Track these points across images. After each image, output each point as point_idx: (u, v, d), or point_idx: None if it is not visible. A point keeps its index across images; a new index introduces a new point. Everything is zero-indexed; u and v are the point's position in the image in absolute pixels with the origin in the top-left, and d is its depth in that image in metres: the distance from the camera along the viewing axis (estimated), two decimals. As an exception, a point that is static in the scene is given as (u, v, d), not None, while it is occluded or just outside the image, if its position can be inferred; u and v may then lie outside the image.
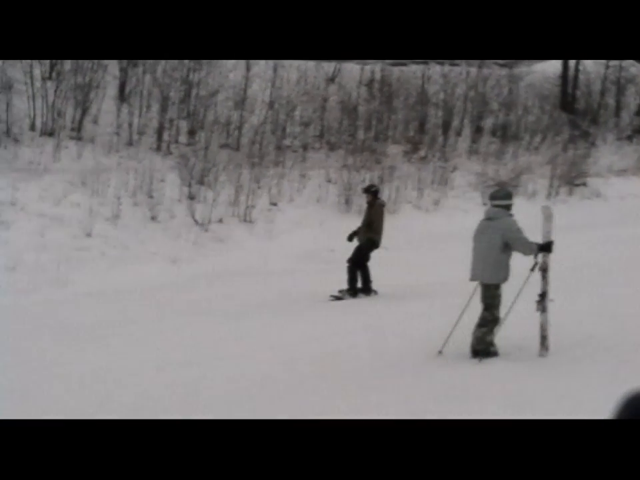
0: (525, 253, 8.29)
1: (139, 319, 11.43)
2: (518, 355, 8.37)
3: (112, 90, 22.29)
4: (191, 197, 19.02)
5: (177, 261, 16.36)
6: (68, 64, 20.92)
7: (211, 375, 8.21)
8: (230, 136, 22.96)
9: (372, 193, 13.32)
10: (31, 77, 20.32)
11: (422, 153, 25.33)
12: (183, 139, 22.16)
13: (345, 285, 12.86)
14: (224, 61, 24.02)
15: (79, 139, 20.42)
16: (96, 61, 21.25)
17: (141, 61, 22.58)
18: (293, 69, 25.77)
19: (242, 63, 24.34)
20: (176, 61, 22.59)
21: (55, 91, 20.53)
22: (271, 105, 24.40)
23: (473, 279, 8.58)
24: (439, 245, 18.08)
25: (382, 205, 13.41)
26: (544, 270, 8.31)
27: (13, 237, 15.19)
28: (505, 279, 8.40)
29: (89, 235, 16.36)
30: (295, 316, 11.43)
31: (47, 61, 21.07)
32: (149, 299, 13.23)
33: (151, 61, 22.37)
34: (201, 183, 19.52)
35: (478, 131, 27.44)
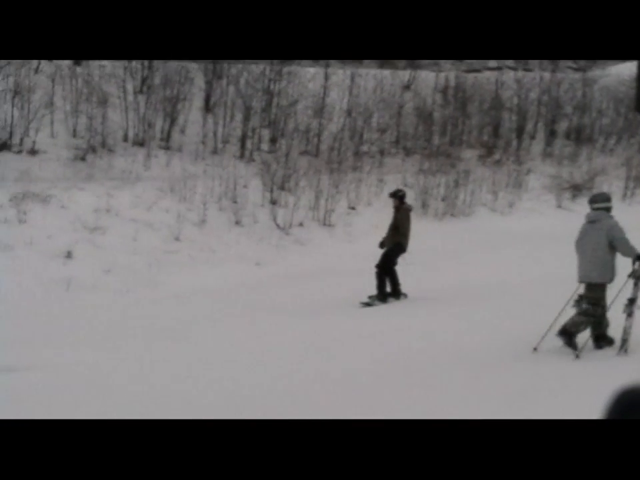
0: (625, 253, 8.41)
1: (225, 318, 11.82)
2: (596, 355, 8.45)
3: (198, 101, 22.92)
4: (273, 202, 19.40)
5: (260, 263, 16.76)
6: (157, 78, 21.66)
7: (288, 370, 8.50)
8: (309, 143, 23.30)
9: (398, 197, 13.06)
10: (124, 91, 21.12)
11: (496, 156, 25.22)
12: (264, 146, 22.61)
13: (372, 290, 12.75)
14: (303, 71, 24.42)
15: (168, 148, 21.11)
16: (183, 75, 21.92)
17: (225, 73, 23.16)
18: (370, 77, 25.98)
19: (320, 72, 24.67)
20: (258, 72, 23.10)
21: (146, 104, 21.28)
22: (348, 112, 24.67)
23: (581, 280, 8.72)
24: (515, 245, 18.01)
25: (408, 209, 13.17)
26: (638, 277, 8.38)
27: (108, 242, 15.82)
28: (611, 279, 8.55)
29: (177, 238, 16.90)
30: (371, 315, 11.66)
31: (139, 76, 21.84)
32: (235, 299, 13.62)
33: (234, 72, 22.94)
34: (282, 188, 19.89)
35: (552, 134, 27.17)
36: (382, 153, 24.10)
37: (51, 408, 6.79)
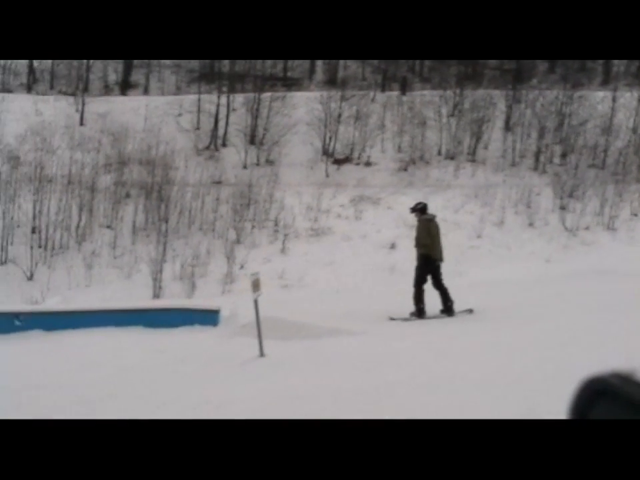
0: None
1: (517, 306, 11.50)
2: None
3: (499, 122, 22.59)
4: (562, 208, 18.61)
5: (549, 261, 16.18)
6: (467, 104, 21.72)
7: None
8: (596, 157, 21.95)
9: (418, 210, 10.18)
10: (439, 115, 21.48)
11: None
12: (556, 160, 21.71)
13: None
14: (593, 95, 23.06)
15: (473, 161, 21.10)
16: (488, 100, 21.75)
17: (523, 99, 22.58)
18: (656, 98, 23.83)
19: (609, 95, 23.11)
20: (552, 97, 22.24)
21: (456, 125, 21.45)
22: (634, 130, 22.84)
23: None
24: None
25: (428, 220, 10.16)
26: None
27: (424, 237, 16.23)
28: None
29: (479, 236, 16.88)
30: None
31: (451, 102, 22.06)
32: (527, 290, 13.27)
33: (531, 97, 22.29)
34: (571, 196, 19.01)
35: None
36: (665, 165, 22.02)
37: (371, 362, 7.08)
